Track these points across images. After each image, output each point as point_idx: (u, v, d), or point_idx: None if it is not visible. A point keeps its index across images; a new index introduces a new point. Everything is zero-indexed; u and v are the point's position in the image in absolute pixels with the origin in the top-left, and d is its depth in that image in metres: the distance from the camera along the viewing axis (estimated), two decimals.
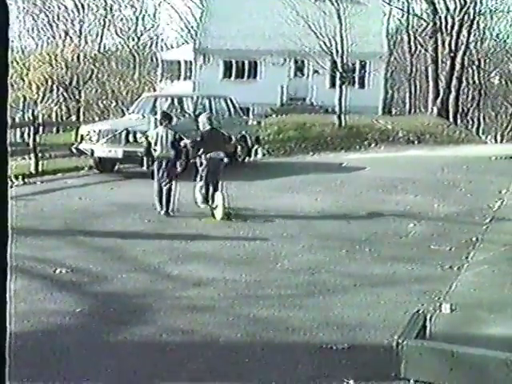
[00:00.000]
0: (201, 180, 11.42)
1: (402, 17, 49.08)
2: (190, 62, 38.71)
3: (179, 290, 7.13)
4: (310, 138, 26.21)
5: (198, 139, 11.53)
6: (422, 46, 47.17)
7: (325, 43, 28.16)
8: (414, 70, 51.85)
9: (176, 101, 19.33)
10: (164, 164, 11.41)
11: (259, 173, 17.87)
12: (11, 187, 14.23)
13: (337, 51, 28.23)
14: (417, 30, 48.79)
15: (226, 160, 11.59)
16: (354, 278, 7.56)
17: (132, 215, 11.31)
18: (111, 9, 47.83)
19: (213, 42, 36.26)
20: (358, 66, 36.17)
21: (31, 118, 17.93)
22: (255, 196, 13.64)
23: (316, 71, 35.40)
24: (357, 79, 36.32)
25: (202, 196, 11.39)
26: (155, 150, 11.44)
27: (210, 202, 11.17)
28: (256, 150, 21.68)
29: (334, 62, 30.28)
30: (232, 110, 19.82)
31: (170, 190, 11.34)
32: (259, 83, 36.27)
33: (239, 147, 19.52)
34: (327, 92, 33.51)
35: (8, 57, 1.31)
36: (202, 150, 11.33)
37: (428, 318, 5.50)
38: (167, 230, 10.29)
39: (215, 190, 11.26)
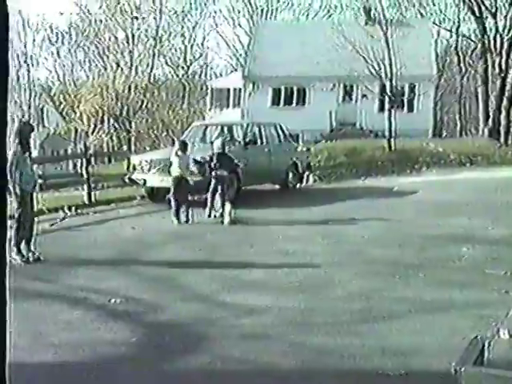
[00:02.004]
0: (209, 192, 13.78)
1: (451, 38, 48.83)
2: (239, 89, 38.98)
3: (233, 318, 7.15)
4: (361, 163, 26.08)
5: (208, 160, 13.99)
6: (471, 66, 46.76)
7: (373, 67, 28.09)
8: (463, 91, 51.38)
9: (226, 129, 19.47)
10: (182, 181, 13.71)
11: (311, 199, 17.84)
12: (65, 218, 14.47)
13: (385, 75, 28.12)
14: (466, 50, 48.44)
15: (226, 174, 13.99)
16: (409, 303, 7.48)
17: (183, 244, 11.40)
18: (161, 39, 48.45)
19: (261, 69, 36.47)
20: (407, 89, 36.02)
21: (83, 149, 18.21)
22: (305, 223, 13.60)
23: (364, 95, 35.36)
24: (406, 102, 36.16)
25: (207, 211, 13.80)
26: (172, 172, 13.84)
27: (221, 210, 13.53)
28: (307, 177, 21.68)
29: (382, 86, 30.21)
30: (281, 136, 19.86)
31: (187, 203, 13.66)
32: (308, 109, 36.32)
33: (291, 174, 19.55)
34: (376, 116, 33.39)
35: (8, 57, 1.33)
36: (210, 170, 13.84)
37: (486, 343, 5.41)
38: (218, 257, 10.33)
39: (224, 200, 13.62)
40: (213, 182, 13.98)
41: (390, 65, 27.77)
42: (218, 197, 13.84)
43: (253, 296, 7.94)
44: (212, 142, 16.06)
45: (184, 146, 14.35)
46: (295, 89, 37.42)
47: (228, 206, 13.52)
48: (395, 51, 27.67)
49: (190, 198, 13.98)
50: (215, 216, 13.85)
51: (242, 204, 15.89)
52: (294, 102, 37.59)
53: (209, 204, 13.94)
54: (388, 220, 13.68)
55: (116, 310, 7.48)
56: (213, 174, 13.95)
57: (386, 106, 29.48)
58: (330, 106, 35.61)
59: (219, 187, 13.90)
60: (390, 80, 28.20)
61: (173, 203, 13.72)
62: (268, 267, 9.56)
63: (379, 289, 8.20)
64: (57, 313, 7.34)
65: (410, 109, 36.14)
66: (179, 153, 14.04)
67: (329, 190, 20.64)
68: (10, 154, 9.66)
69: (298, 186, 20.08)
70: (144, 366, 5.82)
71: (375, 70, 28.14)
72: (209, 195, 13.97)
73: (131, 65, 46.21)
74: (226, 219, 13.40)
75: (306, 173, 21.18)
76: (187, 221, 13.55)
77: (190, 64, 54.60)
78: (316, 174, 23.27)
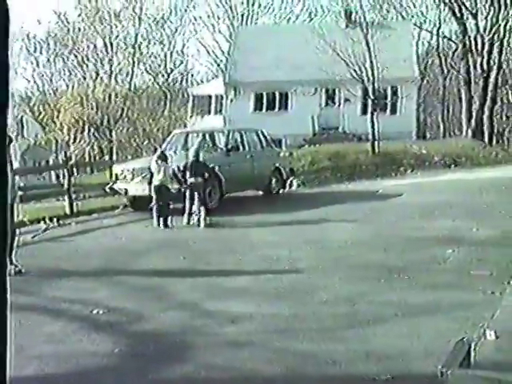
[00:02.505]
0: (185, 199, 14.41)
1: (432, 39, 49.12)
2: (221, 96, 39.00)
3: (217, 326, 7.15)
4: (345, 167, 26.17)
5: (182, 168, 14.68)
6: (453, 68, 47.07)
7: (355, 70, 28.18)
8: (446, 92, 51.70)
9: (208, 136, 19.49)
10: (162, 189, 14.42)
11: (294, 204, 17.88)
12: (47, 229, 14.43)
13: (367, 78, 28.23)
14: (447, 52, 48.74)
15: (200, 181, 14.59)
16: (394, 307, 7.51)
17: (167, 253, 11.40)
18: (140, 46, 48.45)
19: (242, 75, 36.53)
20: (389, 92, 36.18)
21: (64, 159, 18.18)
22: (288, 228, 13.64)
23: (347, 99, 35.49)
24: (389, 105, 36.31)
25: (186, 217, 14.40)
26: (153, 181, 14.58)
27: (197, 213, 14.25)
28: (291, 182, 21.73)
29: (365, 89, 30.32)
30: (264, 142, 19.90)
31: (167, 208, 14.39)
32: (290, 114, 36.41)
33: (273, 179, 19.60)
34: (359, 120, 33.52)
35: (8, 57, 1.33)
36: (186, 177, 14.53)
37: (472, 345, 5.45)
38: (201, 265, 10.33)
39: (200, 205, 14.30)
40: (188, 189, 14.56)
41: (372, 68, 27.91)
42: (195, 203, 14.43)
43: (236, 304, 7.94)
44: (187, 150, 16.33)
45: (164, 156, 14.96)
46: (277, 94, 37.50)
47: (203, 211, 14.26)
48: (376, 54, 27.81)
49: (171, 206, 14.64)
50: (193, 222, 14.37)
51: (224, 211, 15.94)
52: (277, 107, 37.67)
53: (187, 211, 14.47)
54: (372, 223, 13.73)
55: (99, 321, 7.47)
56: (188, 181, 14.55)
57: (369, 109, 29.60)
58: (313, 111, 35.71)
59: (195, 194, 14.46)
60: (372, 83, 28.34)
61: (154, 211, 14.36)
62: (251, 274, 9.56)
63: (364, 293, 8.22)
64: (39, 325, 7.32)
65: (393, 111, 36.31)
66: (159, 162, 14.67)
67: (312, 195, 20.68)
68: None
69: (281, 191, 20.12)
70: (127, 377, 5.82)
71: (357, 73, 28.26)
72: (186, 202, 14.49)
73: (111, 73, 46.20)
74: (202, 223, 14.15)
75: (290, 178, 21.23)
76: (166, 226, 14.16)
77: (171, 71, 54.63)
78: (299, 179, 23.32)
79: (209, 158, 17.11)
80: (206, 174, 14.84)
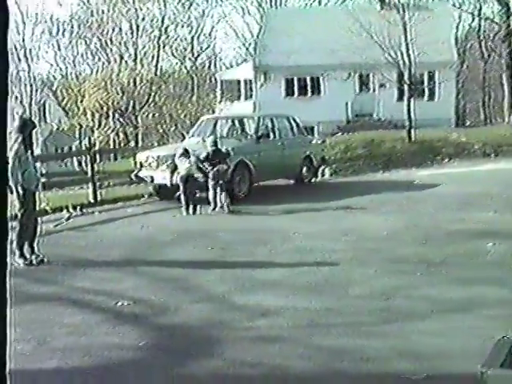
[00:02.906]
0: (211, 187, 14.95)
1: (473, 21, 48.61)
2: (250, 80, 38.96)
3: (246, 320, 7.14)
4: (379, 156, 26.02)
5: (203, 158, 15.22)
6: (494, 51, 46.57)
7: (390, 54, 27.92)
8: (487, 77, 51.17)
9: (237, 122, 19.47)
10: (189, 179, 15.01)
11: (326, 194, 17.83)
12: (70, 218, 14.52)
13: (403, 62, 28.00)
14: (488, 34, 48.22)
15: (224, 169, 15.19)
16: (431, 303, 7.45)
17: (194, 243, 11.41)
18: (166, 29, 48.45)
19: (273, 59, 36.44)
20: (426, 77, 35.90)
21: (88, 145, 18.25)
22: (322, 219, 13.60)
23: (382, 85, 35.25)
24: (426, 91, 36.03)
25: (213, 204, 14.98)
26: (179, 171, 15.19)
27: (219, 201, 14.87)
28: (323, 170, 21.68)
29: (400, 74, 30.08)
30: (295, 129, 19.86)
31: (194, 196, 15.03)
32: (323, 100, 36.30)
33: (304, 168, 19.57)
34: (395, 106, 33.28)
35: (8, 59, 1.33)
36: (208, 165, 15.11)
37: None
38: (231, 257, 10.34)
39: (223, 193, 14.92)
40: (211, 178, 15.01)
41: (408, 51, 27.65)
42: (219, 191, 14.98)
43: (267, 297, 7.93)
44: (204, 140, 16.58)
45: (186, 153, 15.35)
46: (309, 78, 37.38)
47: (224, 196, 14.91)
48: (413, 37, 27.54)
49: (197, 194, 15.15)
50: (218, 210, 14.89)
51: (254, 200, 15.95)
52: (309, 92, 37.56)
53: (211, 199, 14.97)
54: (409, 214, 13.64)
55: (123, 313, 7.49)
56: (212, 170, 15.02)
57: (406, 94, 29.37)
58: (347, 96, 35.54)
59: (219, 182, 14.97)
60: (409, 67, 28.08)
61: (182, 199, 14.96)
62: (283, 266, 9.55)
63: (400, 287, 8.18)
64: (62, 317, 7.36)
65: (431, 97, 36.02)
66: (182, 158, 15.22)
67: (346, 184, 20.61)
68: (11, 152, 9.69)
69: (313, 180, 20.10)
70: (153, 371, 5.83)
71: (392, 57, 27.99)
72: (210, 191, 15.00)
73: (136, 57, 46.22)
74: (226, 210, 14.73)
75: (322, 166, 21.19)
76: (195, 213, 14.79)
77: (198, 55, 54.64)
78: (332, 168, 23.25)
79: (238, 146, 17.14)
80: (225, 165, 15.20)
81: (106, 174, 20.30)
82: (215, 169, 15.09)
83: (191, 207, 14.89)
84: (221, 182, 15.07)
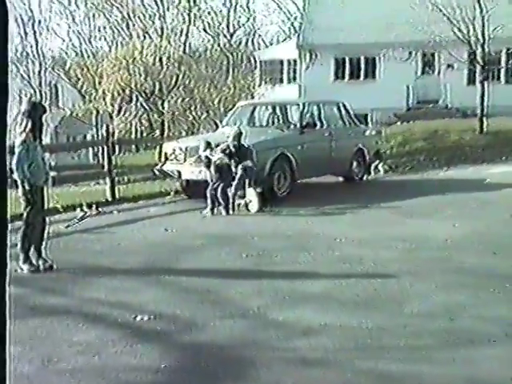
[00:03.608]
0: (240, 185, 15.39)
1: None
2: (294, 61, 38.93)
3: (285, 339, 7.13)
4: (444, 149, 25.87)
5: (224, 152, 15.48)
6: None
7: (460, 29, 27.62)
8: None
9: (278, 109, 19.47)
10: (224, 168, 15.40)
11: (380, 194, 17.75)
12: (84, 218, 14.62)
13: (476, 38, 27.67)
14: None
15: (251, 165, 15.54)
16: (504, 325, 7.37)
17: (227, 249, 11.42)
18: (196, 0, 48.54)
19: (321, 36, 36.36)
20: (504, 56, 35.44)
21: (105, 134, 18.35)
22: (374, 223, 13.55)
23: (450, 65, 34.98)
24: (503, 72, 35.63)
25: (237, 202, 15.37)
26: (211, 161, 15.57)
27: (246, 198, 15.33)
28: (376, 166, 21.60)
29: (472, 53, 29.77)
30: (346, 118, 19.82)
31: (225, 190, 15.21)
32: (379, 84, 36.15)
33: (355, 163, 19.51)
34: (465, 91, 33.01)
35: (8, 56, 1.37)
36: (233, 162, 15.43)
37: None
38: (269, 265, 10.33)
39: (246, 188, 15.33)
40: (240, 172, 15.37)
41: (483, 25, 27.28)
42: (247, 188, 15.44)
43: (310, 313, 7.91)
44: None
45: (208, 146, 15.85)
46: (362, 59, 37.27)
47: (252, 191, 15.35)
48: (488, 8, 27.16)
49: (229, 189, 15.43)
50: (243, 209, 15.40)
51: (295, 200, 15.94)
52: (362, 75, 37.47)
53: (237, 196, 15.41)
54: (478, 220, 13.53)
55: (143, 329, 7.51)
56: (239, 165, 15.37)
57: (478, 77, 29.07)
58: (407, 80, 35.36)
59: (247, 177, 15.47)
60: (482, 45, 27.77)
61: (208, 197, 15.24)
62: (328, 277, 9.53)
63: (466, 305, 8.10)
64: (71, 333, 7.40)
65: (509, 80, 35.59)
66: (207, 152, 15.71)
67: (403, 183, 20.51)
68: (16, 141, 9.74)
69: (365, 177, 20.04)
70: None
71: (462, 32, 27.68)
72: (236, 185, 15.34)
73: (162, 32, 46.35)
74: (256, 207, 15.20)
75: (376, 162, 21.12)
76: (228, 212, 15.06)
77: (234, 31, 54.68)
78: (388, 164, 23.16)
79: (279, 137, 17.15)
80: (249, 162, 15.48)
81: (125, 167, 20.43)
82: (240, 166, 15.36)
83: (223, 207, 15.06)
84: (246, 181, 15.40)
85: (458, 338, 6.98)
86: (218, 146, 15.79)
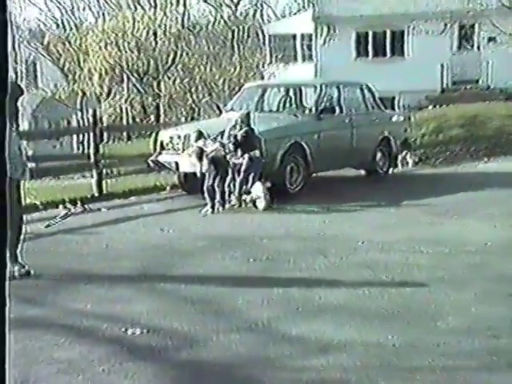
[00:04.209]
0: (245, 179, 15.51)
1: None
2: (310, 36, 38.86)
3: (300, 357, 7.12)
4: (484, 138, 25.81)
5: (233, 141, 15.59)
6: None
7: None
8: None
9: (292, 92, 19.44)
10: (220, 161, 15.48)
11: (409, 190, 17.72)
12: (67, 216, 14.62)
13: None
14: None
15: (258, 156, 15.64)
16: None
17: (232, 252, 11.41)
18: None
19: (339, 7, 36.31)
20: None
21: (92, 120, 18.35)
22: (402, 223, 13.53)
23: (492, 39, 34.85)
24: None
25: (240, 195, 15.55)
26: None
27: (252, 194, 15.33)
28: (404, 158, 21.56)
29: None
30: (369, 101, 19.78)
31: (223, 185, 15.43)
32: (408, 62, 36.10)
33: (379, 154, 19.46)
34: (510, 69, 32.84)
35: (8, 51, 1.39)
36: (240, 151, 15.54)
37: None
38: (280, 271, 10.31)
39: (253, 182, 15.37)
40: (245, 163, 15.46)
41: None
42: (251, 180, 15.51)
43: (328, 327, 7.89)
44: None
45: (200, 134, 16.00)
46: (389, 33, 37.18)
47: (260, 187, 15.33)
48: None
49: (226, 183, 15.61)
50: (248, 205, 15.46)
51: (311, 196, 15.92)
52: (388, 51, 37.39)
53: (241, 188, 15.52)
54: None
55: (135, 345, 7.51)
56: (245, 155, 15.49)
57: None
58: (441, 56, 35.24)
59: (253, 169, 15.53)
60: None
61: (206, 192, 15.43)
62: (348, 285, 9.52)
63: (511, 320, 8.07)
64: (52, 349, 7.39)
65: None
66: (200, 142, 15.82)
67: (435, 177, 20.50)
68: None
69: (390, 171, 20.01)
70: None
71: None
72: (241, 178, 15.51)
73: (156, 2, 46.31)
74: (264, 204, 15.24)
75: (404, 153, 21.08)
76: (223, 207, 15.32)
77: (239, 1, 54.55)
78: (417, 155, 23.11)
79: (292, 124, 17.12)
80: (257, 152, 15.65)
81: (115, 158, 20.40)
82: (247, 156, 15.46)
83: (217, 200, 15.24)
84: (252, 174, 15.46)
85: (501, 360, 6.95)
86: (222, 133, 15.80)
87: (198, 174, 15.59)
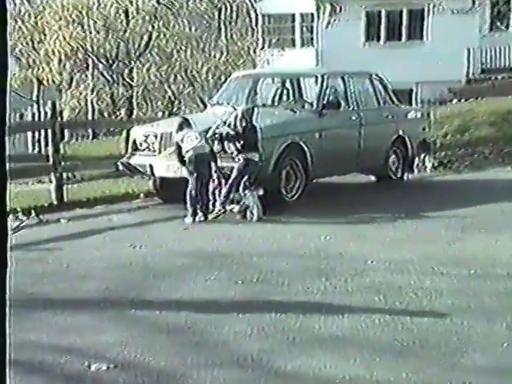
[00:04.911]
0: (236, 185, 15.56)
1: None
2: (311, 15, 38.89)
3: None
4: None
5: (230, 136, 15.80)
6: None
7: None
8: None
9: (289, 83, 19.47)
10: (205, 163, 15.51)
11: (427, 199, 17.75)
12: (19, 229, 14.62)
13: None
14: None
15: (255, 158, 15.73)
16: None
17: (217, 273, 11.43)
18: None
19: None
20: None
21: (51, 114, 18.35)
22: (419, 239, 13.56)
23: None
24: None
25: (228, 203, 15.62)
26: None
27: (241, 203, 15.39)
28: (422, 162, 21.57)
29: None
30: (381, 94, 19.80)
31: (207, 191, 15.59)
32: (428, 47, 36.10)
33: (392, 157, 19.47)
34: None
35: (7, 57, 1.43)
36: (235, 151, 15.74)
37: None
38: (273, 295, 10.33)
39: (244, 190, 15.45)
40: (238, 166, 15.63)
41: None
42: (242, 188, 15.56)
43: (329, 361, 7.92)
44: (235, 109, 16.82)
45: (185, 122, 16.05)
46: (405, 12, 37.20)
47: (251, 195, 15.36)
48: None
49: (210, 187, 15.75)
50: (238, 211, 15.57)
51: (310, 207, 15.94)
52: (404, 34, 37.40)
53: (230, 195, 15.61)
54: None
55: (100, 383, 7.51)
56: (239, 156, 15.66)
57: None
58: (468, 40, 35.22)
59: (247, 174, 15.57)
60: None
61: (188, 198, 15.48)
62: (355, 312, 9.54)
63: None
64: None
65: None
66: (183, 132, 15.76)
67: (459, 185, 20.53)
68: None
69: (405, 176, 20.01)
70: None
71: None
72: (230, 183, 15.59)
73: None
74: (255, 215, 15.32)
75: (422, 155, 21.09)
76: (205, 217, 15.46)
77: None
78: (438, 158, 23.14)
79: (289, 120, 17.14)
80: (256, 154, 15.71)
81: (78, 159, 20.44)
82: (242, 158, 15.54)
83: (199, 209, 15.38)
84: (245, 179, 15.52)
85: None
86: (207, 131, 15.80)
87: (179, 178, 15.59)
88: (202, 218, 15.29)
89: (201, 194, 15.35)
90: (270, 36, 40.81)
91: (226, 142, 15.76)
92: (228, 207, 15.55)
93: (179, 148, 15.58)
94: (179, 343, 8.67)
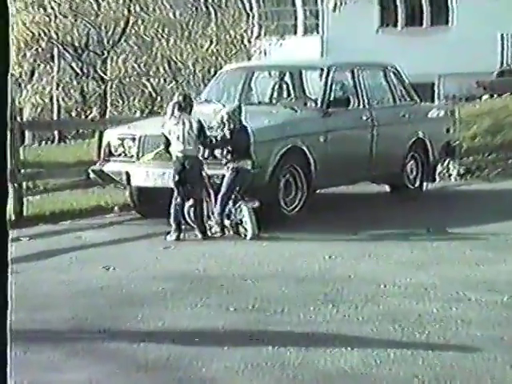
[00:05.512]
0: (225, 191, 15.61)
1: None
2: None
3: None
4: None
5: (220, 141, 15.82)
6: None
7: None
8: None
9: (289, 77, 19.50)
10: (187, 166, 15.44)
11: (451, 213, 17.77)
12: None
13: None
14: None
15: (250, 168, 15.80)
16: None
17: (205, 299, 11.45)
18: None
19: None
20: None
21: (9, 113, 18.37)
22: (441, 260, 13.58)
23: None
24: None
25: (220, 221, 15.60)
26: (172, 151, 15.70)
27: (233, 217, 15.50)
28: (447, 168, 21.60)
29: None
30: (397, 90, 19.81)
31: (195, 202, 15.47)
32: (454, 33, 36.20)
33: (410, 163, 19.48)
34: None
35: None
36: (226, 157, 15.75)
37: None
38: (270, 325, 10.34)
39: (235, 202, 15.55)
40: (229, 176, 15.61)
41: None
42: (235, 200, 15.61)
43: None
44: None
45: (185, 100, 15.97)
46: None
47: (246, 209, 15.46)
48: None
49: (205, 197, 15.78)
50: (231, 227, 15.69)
51: (313, 221, 15.94)
52: (426, 19, 37.47)
53: (222, 209, 15.59)
54: None
55: None
56: (229, 165, 15.67)
57: None
58: (500, 25, 35.25)
59: (238, 184, 15.62)
60: None
61: (172, 211, 15.53)
62: (367, 346, 9.55)
63: None
64: None
65: None
66: (176, 113, 15.62)
67: (490, 195, 20.59)
68: None
69: (425, 186, 20.02)
70: None
71: None
72: (221, 198, 15.58)
73: None
74: (250, 232, 15.41)
75: (445, 161, 21.11)
76: (204, 235, 15.48)
77: None
78: (465, 164, 23.17)
79: (290, 121, 17.17)
80: (248, 161, 15.71)
81: (41, 166, 20.44)
82: (231, 167, 15.54)
83: (198, 227, 15.38)
84: (237, 190, 15.59)
85: None
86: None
87: (160, 188, 15.63)
88: (200, 236, 15.29)
89: (194, 208, 15.33)
90: (267, 22, 40.84)
91: (214, 149, 15.78)
92: (226, 223, 15.54)
93: (167, 142, 15.66)
94: (160, 381, 8.68)
